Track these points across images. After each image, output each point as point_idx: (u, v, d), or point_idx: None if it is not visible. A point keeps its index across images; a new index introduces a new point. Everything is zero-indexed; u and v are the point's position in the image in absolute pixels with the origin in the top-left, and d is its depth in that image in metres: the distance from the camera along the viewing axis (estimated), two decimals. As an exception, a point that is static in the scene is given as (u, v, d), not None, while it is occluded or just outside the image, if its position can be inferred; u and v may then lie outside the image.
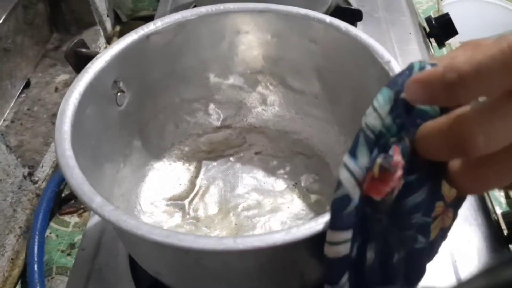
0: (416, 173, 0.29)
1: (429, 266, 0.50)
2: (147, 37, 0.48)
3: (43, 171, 0.73)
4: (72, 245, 0.65)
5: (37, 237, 0.64)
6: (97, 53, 0.46)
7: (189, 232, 0.50)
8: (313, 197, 0.53)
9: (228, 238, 0.31)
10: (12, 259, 0.63)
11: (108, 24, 1.03)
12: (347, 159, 0.27)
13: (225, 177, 0.56)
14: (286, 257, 0.37)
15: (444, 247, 0.51)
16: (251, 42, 0.54)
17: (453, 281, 0.49)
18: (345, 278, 0.30)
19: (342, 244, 0.29)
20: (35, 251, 0.62)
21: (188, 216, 0.52)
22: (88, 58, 0.45)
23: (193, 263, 0.37)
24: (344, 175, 0.27)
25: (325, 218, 0.32)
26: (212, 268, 0.38)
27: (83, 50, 0.47)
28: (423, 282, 0.49)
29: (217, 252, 0.31)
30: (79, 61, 0.46)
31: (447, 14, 0.72)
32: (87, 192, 0.35)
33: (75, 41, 0.46)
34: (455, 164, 0.28)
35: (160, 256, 0.40)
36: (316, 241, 0.35)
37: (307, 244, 0.35)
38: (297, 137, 0.59)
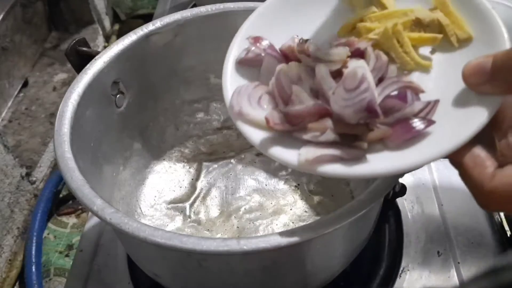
0: None
1: (432, 266, 0.50)
2: (146, 37, 0.48)
3: (41, 171, 0.73)
4: (70, 246, 0.65)
5: (35, 238, 0.63)
6: (97, 52, 0.45)
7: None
8: (316, 198, 0.52)
9: (232, 239, 0.31)
10: (9, 260, 0.63)
11: (107, 23, 1.03)
12: None
13: (226, 179, 0.55)
14: (290, 259, 0.37)
15: (447, 248, 0.51)
16: (252, 42, 0.53)
17: (456, 282, 0.49)
18: None
19: None
20: (33, 252, 0.62)
21: (189, 219, 0.51)
22: (89, 56, 0.45)
23: (195, 265, 0.37)
24: None
25: (330, 218, 0.32)
26: (215, 270, 0.38)
27: (84, 48, 0.46)
28: (426, 283, 0.49)
29: (220, 253, 0.31)
30: (80, 59, 0.46)
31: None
32: (87, 195, 0.34)
33: (76, 39, 0.46)
34: None
35: (161, 259, 0.40)
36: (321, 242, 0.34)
37: (312, 245, 0.35)
38: (299, 138, 0.58)
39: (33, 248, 0.62)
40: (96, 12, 0.98)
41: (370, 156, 0.29)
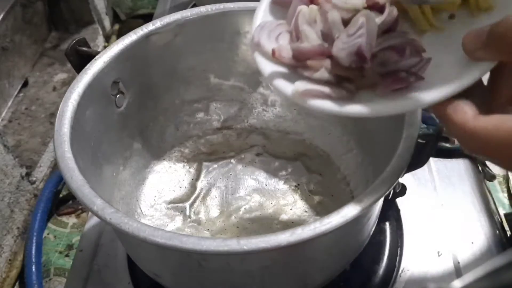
0: None
1: (432, 266, 0.50)
2: (146, 37, 0.48)
3: (41, 171, 0.73)
4: (70, 246, 0.65)
5: (35, 238, 0.63)
6: (97, 52, 0.45)
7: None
8: (316, 198, 0.52)
9: (232, 239, 0.31)
10: (9, 260, 0.63)
11: (107, 23, 1.03)
12: None
13: (226, 179, 0.55)
14: (290, 259, 0.37)
15: (447, 248, 0.51)
16: (251, 42, 0.53)
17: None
18: None
19: None
20: (33, 252, 0.62)
21: (189, 219, 0.51)
22: (89, 56, 0.45)
23: (195, 265, 0.37)
24: None
25: (330, 218, 0.32)
26: (215, 270, 0.38)
27: (84, 48, 0.46)
28: (426, 283, 0.49)
29: (220, 253, 0.31)
30: (80, 59, 0.46)
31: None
32: (87, 195, 0.34)
33: (76, 39, 0.46)
34: None
35: (161, 259, 0.40)
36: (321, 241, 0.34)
37: (312, 245, 0.35)
38: (299, 138, 0.58)
39: (33, 248, 0.62)
40: (96, 12, 0.98)
41: (357, 99, 0.31)
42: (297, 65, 0.33)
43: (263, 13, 0.37)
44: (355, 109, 0.30)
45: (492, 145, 0.26)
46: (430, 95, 0.29)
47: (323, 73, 0.31)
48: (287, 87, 0.32)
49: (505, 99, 0.29)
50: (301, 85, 0.31)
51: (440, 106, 0.29)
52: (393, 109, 0.30)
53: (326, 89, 0.31)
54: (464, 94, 0.28)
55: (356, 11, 0.32)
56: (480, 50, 0.28)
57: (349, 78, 0.31)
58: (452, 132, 0.29)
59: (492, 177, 0.58)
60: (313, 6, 0.34)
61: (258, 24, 0.35)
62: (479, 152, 0.29)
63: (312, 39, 0.33)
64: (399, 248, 0.52)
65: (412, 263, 0.51)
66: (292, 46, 0.33)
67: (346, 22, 0.32)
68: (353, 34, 0.31)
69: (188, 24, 0.50)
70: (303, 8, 0.34)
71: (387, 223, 0.54)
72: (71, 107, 0.40)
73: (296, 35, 0.34)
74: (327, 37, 0.33)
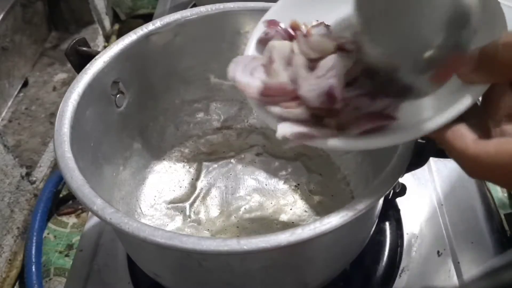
0: None
1: (432, 266, 0.50)
2: (146, 37, 0.48)
3: (41, 171, 0.73)
4: (70, 246, 0.65)
5: (35, 238, 0.63)
6: (97, 52, 0.45)
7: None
8: (316, 198, 0.52)
9: (232, 239, 0.31)
10: (9, 260, 0.63)
11: (107, 23, 1.03)
12: None
13: (226, 179, 0.55)
14: (290, 259, 0.37)
15: (447, 248, 0.51)
16: (251, 42, 0.53)
17: (456, 282, 0.49)
18: None
19: None
20: (33, 252, 0.62)
21: (189, 219, 0.51)
22: (89, 56, 0.45)
23: (195, 265, 0.37)
24: None
25: (330, 218, 0.32)
26: (215, 270, 0.38)
27: (84, 48, 0.46)
28: (426, 283, 0.49)
29: (220, 253, 0.31)
30: (80, 59, 0.46)
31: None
32: (87, 194, 0.34)
33: (76, 39, 0.46)
34: None
35: (162, 259, 0.40)
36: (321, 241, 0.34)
37: (312, 245, 0.35)
38: (299, 138, 0.58)
39: (33, 248, 0.62)
40: (96, 12, 0.98)
41: (344, 133, 0.31)
42: (267, 101, 0.33)
43: (251, 53, 0.37)
44: (343, 144, 0.31)
45: (494, 169, 0.26)
46: (426, 125, 0.29)
47: (299, 111, 0.32)
48: (272, 119, 0.32)
49: (500, 117, 0.29)
50: (286, 129, 0.31)
51: (439, 131, 0.29)
52: (384, 142, 0.30)
53: (309, 130, 0.31)
54: (460, 116, 0.28)
55: (325, 53, 0.32)
56: (473, 73, 0.28)
57: (328, 115, 0.32)
58: (453, 157, 0.29)
59: (492, 177, 0.58)
60: (285, 42, 0.35)
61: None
62: (481, 177, 0.29)
63: (281, 76, 0.33)
64: (399, 248, 0.52)
65: (412, 263, 0.51)
66: (261, 82, 0.33)
67: (316, 61, 0.33)
68: (323, 76, 0.31)
69: (188, 24, 0.50)
70: (275, 42, 0.35)
71: (387, 223, 0.54)
72: (71, 107, 0.40)
73: (268, 68, 0.34)
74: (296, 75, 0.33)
